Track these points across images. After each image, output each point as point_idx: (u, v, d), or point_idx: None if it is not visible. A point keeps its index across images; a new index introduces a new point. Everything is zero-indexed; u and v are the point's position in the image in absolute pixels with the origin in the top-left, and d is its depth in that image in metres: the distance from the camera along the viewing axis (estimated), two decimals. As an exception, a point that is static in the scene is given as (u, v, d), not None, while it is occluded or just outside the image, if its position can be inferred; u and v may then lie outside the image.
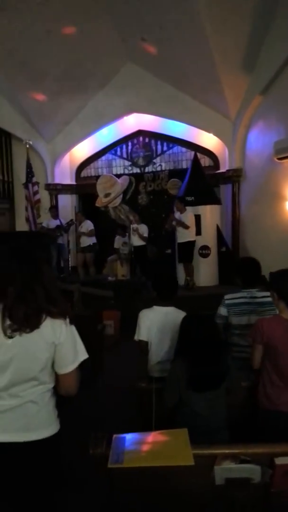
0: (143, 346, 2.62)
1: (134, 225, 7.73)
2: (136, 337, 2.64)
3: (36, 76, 7.67)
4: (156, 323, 2.61)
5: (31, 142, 8.75)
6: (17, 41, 6.97)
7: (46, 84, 7.94)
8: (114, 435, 1.58)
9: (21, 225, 9.24)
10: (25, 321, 1.43)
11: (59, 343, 1.48)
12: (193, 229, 6.76)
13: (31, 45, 7.07)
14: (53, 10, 6.45)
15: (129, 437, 1.59)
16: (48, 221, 8.37)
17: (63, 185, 9.60)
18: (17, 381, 1.45)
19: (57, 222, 8.26)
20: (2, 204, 9.45)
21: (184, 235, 6.74)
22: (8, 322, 1.43)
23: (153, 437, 1.58)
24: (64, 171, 9.63)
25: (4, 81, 7.85)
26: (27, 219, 8.79)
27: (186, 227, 6.64)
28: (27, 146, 8.65)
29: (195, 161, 7.75)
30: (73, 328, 1.53)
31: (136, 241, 7.67)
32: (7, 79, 7.79)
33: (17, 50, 7.13)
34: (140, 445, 1.53)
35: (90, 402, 3.31)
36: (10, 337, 1.43)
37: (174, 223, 6.81)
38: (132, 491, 1.52)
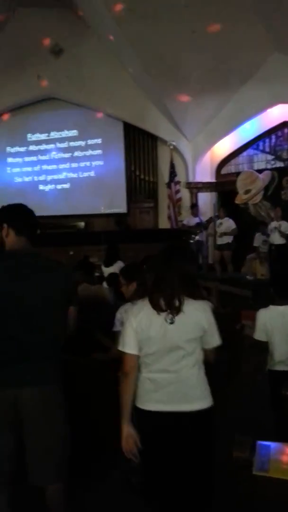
0: (261, 346, 2.54)
1: (275, 223, 7.40)
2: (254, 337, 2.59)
3: (181, 77, 7.95)
4: (274, 323, 2.50)
5: (174, 143, 9.11)
6: (164, 46, 7.34)
7: (190, 85, 8.14)
8: (259, 442, 1.62)
9: (164, 223, 9.72)
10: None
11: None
12: None
13: (177, 48, 7.35)
14: (197, 10, 6.58)
15: (274, 445, 1.61)
16: (188, 219, 8.64)
17: (203, 183, 9.74)
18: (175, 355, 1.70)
19: (197, 220, 8.47)
20: (148, 203, 10.08)
21: None
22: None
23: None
24: (204, 169, 9.75)
25: (152, 84, 8.34)
26: (169, 217, 9.22)
27: None
28: (171, 147, 9.03)
29: None
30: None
31: (277, 239, 7.34)
32: (155, 84, 8.26)
33: (164, 55, 7.50)
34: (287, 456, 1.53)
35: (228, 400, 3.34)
36: (171, 322, 1.67)
37: None
38: (276, 501, 1.54)
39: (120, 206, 9.96)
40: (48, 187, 10.25)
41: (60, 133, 10.06)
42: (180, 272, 1.73)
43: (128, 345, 1.73)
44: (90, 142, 10.02)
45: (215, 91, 8.31)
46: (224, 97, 8.59)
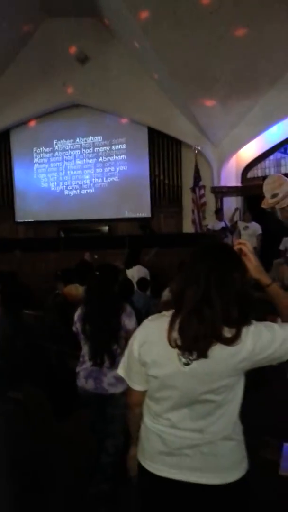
0: None
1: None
2: None
3: (207, 82, 7.91)
4: None
5: (199, 148, 9.08)
6: (190, 51, 7.34)
7: (216, 89, 8.10)
8: (286, 444, 1.55)
9: (188, 227, 9.67)
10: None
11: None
12: None
13: (203, 53, 7.33)
14: (225, 15, 6.57)
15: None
16: (213, 223, 8.55)
17: (228, 188, 9.63)
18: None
19: (222, 224, 8.37)
20: (172, 208, 10.06)
21: None
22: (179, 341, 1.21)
23: None
24: (230, 174, 9.66)
25: (177, 90, 8.36)
26: (193, 222, 9.17)
27: None
28: (196, 151, 9.00)
29: None
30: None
31: (306, 244, 7.16)
32: (180, 89, 8.27)
33: (190, 60, 7.50)
34: None
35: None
36: (187, 363, 1.22)
37: None
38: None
39: (144, 210, 9.99)
40: (73, 192, 10.39)
41: (85, 139, 10.19)
42: (227, 289, 1.21)
43: (131, 379, 1.34)
44: (114, 147, 10.12)
45: (242, 94, 8.24)
46: (251, 101, 8.49)
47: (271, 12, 6.56)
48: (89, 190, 10.33)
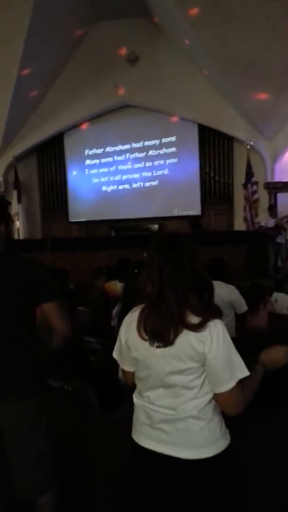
0: None
1: None
2: None
3: (259, 75, 7.68)
4: None
5: (252, 143, 8.83)
6: (241, 45, 7.16)
7: (269, 82, 7.83)
8: None
9: (239, 225, 9.44)
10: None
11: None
12: None
13: (255, 46, 7.12)
14: (279, 5, 6.33)
15: None
16: (266, 220, 8.28)
17: (283, 183, 9.27)
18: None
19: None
20: (222, 205, 9.88)
21: None
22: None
23: None
24: (285, 168, 9.28)
25: (228, 84, 8.19)
26: (245, 219, 8.93)
27: None
28: (248, 147, 8.76)
29: None
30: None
31: None
32: (231, 83, 8.09)
33: (242, 52, 7.31)
34: None
35: None
36: (158, 346, 1.33)
37: None
38: None
39: (194, 208, 9.90)
40: (123, 191, 10.52)
41: (135, 138, 10.26)
42: (179, 279, 1.31)
43: (122, 362, 1.49)
44: (165, 146, 10.11)
45: (296, 86, 7.90)
46: (305, 92, 8.12)
47: None
48: (140, 189, 10.41)
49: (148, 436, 1.39)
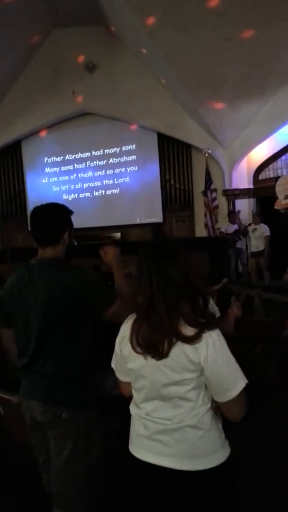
0: None
1: None
2: None
3: (214, 84, 7.88)
4: None
5: (209, 151, 9.03)
6: (197, 55, 7.32)
7: (224, 91, 8.05)
8: None
9: (200, 231, 9.60)
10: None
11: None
12: None
13: (210, 56, 7.30)
14: (231, 17, 6.54)
15: None
16: (226, 226, 8.47)
17: (240, 190, 9.54)
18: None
19: (235, 227, 8.28)
20: (183, 212, 10.02)
21: None
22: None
23: None
24: (241, 176, 9.57)
25: (185, 94, 8.34)
26: (206, 225, 9.10)
27: None
28: (206, 155, 8.95)
29: None
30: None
31: None
32: (188, 93, 8.25)
33: (197, 64, 7.48)
34: None
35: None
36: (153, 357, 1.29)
37: None
38: None
39: (156, 215, 9.97)
40: (84, 200, 10.41)
41: (95, 146, 10.22)
42: (169, 289, 1.27)
43: (118, 371, 1.45)
44: (124, 154, 10.14)
45: (251, 96, 8.18)
46: (260, 102, 8.43)
47: (277, 13, 6.50)
48: (101, 197, 10.35)
49: (146, 448, 1.35)
